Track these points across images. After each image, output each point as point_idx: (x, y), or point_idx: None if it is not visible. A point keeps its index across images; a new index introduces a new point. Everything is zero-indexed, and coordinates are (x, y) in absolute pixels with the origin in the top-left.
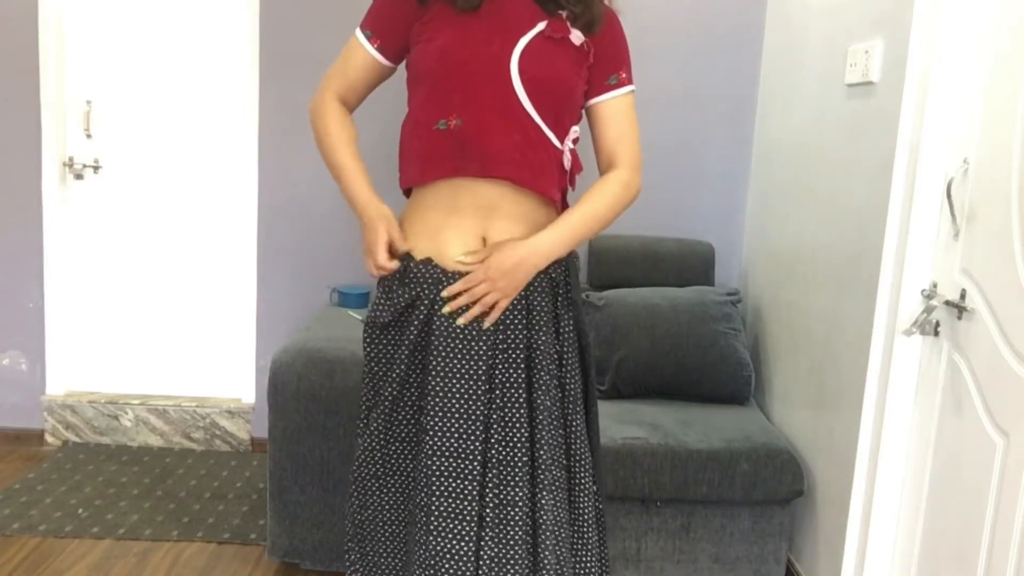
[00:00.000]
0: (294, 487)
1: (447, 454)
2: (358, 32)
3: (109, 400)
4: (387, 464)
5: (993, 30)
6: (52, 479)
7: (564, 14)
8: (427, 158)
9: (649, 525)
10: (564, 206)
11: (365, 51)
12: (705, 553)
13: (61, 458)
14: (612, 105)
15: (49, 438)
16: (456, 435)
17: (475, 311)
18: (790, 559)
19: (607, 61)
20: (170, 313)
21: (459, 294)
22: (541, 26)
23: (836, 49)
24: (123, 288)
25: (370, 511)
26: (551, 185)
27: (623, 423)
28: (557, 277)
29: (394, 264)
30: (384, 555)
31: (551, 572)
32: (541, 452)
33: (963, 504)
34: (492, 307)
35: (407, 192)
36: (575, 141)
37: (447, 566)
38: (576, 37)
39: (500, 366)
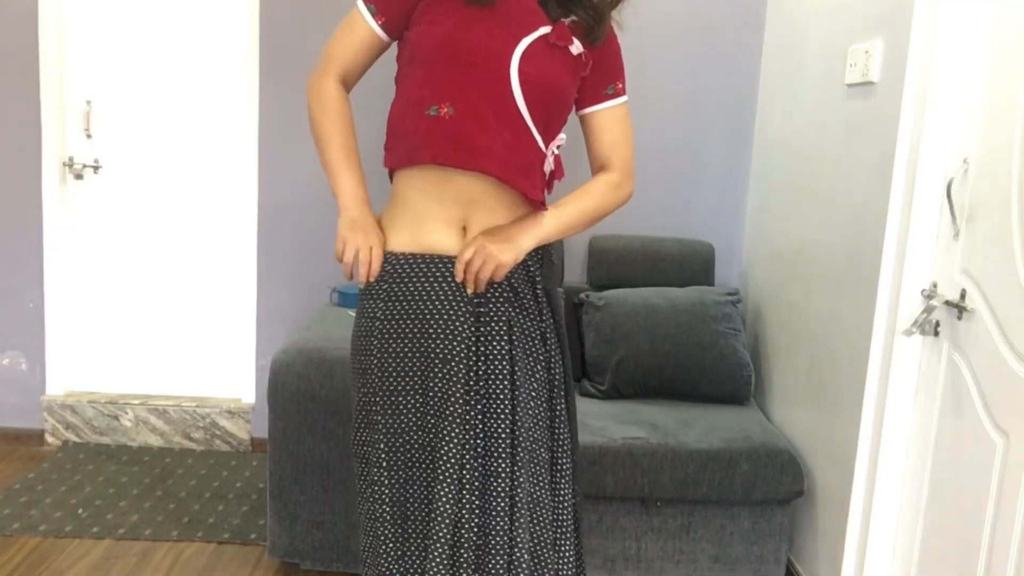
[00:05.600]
0: (294, 487)
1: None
2: (361, 6)
3: (109, 400)
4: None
5: (993, 30)
6: (52, 479)
7: (568, 22)
8: (414, 142)
9: (649, 525)
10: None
11: (368, 27)
12: (705, 553)
13: (61, 458)
14: (609, 114)
15: (49, 438)
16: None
17: (470, 289)
18: (790, 559)
19: (605, 72)
20: (170, 313)
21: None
22: (544, 30)
23: (836, 49)
24: (123, 288)
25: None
26: (534, 187)
27: (623, 423)
28: (533, 267)
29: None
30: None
31: (524, 550)
32: (520, 430)
33: (963, 504)
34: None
35: (391, 172)
36: (558, 147)
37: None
38: (576, 47)
39: (483, 338)
